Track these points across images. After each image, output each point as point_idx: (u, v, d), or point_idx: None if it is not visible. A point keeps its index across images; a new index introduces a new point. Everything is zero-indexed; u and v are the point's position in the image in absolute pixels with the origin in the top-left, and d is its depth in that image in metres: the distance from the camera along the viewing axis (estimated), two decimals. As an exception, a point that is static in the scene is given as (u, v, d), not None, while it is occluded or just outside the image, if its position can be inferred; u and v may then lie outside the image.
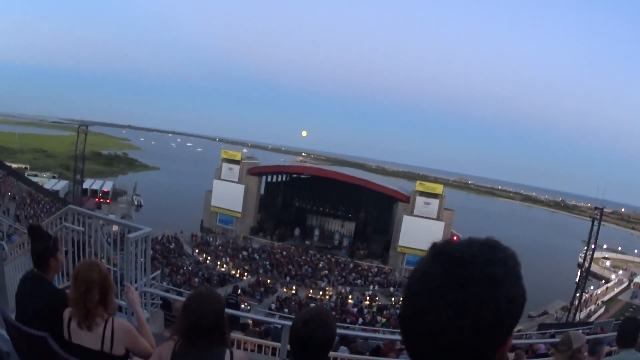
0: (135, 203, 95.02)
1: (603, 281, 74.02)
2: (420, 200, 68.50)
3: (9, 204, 52.15)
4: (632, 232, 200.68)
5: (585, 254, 61.99)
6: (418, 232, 66.68)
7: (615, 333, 6.14)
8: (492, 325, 1.25)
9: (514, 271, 1.34)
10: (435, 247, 1.38)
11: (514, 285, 1.32)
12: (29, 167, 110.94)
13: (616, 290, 70.77)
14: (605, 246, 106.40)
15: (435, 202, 68.25)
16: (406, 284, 1.38)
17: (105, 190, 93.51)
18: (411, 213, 68.44)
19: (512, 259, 1.36)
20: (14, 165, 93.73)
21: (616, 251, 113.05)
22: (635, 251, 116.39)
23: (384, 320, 44.25)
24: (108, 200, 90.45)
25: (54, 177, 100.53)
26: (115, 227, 11.53)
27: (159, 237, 59.32)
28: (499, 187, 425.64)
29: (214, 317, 3.10)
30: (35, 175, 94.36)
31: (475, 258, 1.31)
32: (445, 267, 1.30)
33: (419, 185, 70.44)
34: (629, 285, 74.12)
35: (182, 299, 13.12)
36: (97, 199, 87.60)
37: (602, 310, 59.93)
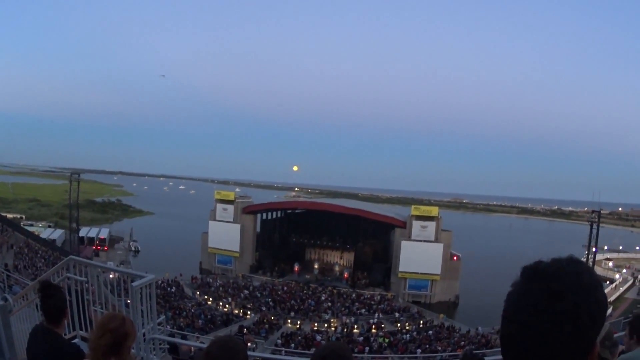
0: (133, 249, 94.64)
1: (608, 282, 73.94)
2: (416, 224, 68.63)
3: (6, 254, 51.96)
4: (632, 230, 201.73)
5: (587, 257, 62.11)
6: (417, 256, 66.88)
7: (623, 332, 6.15)
8: (589, 327, 1.44)
9: (597, 280, 1.56)
10: (527, 268, 1.59)
11: (600, 291, 1.52)
12: (24, 216, 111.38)
13: (622, 289, 70.50)
14: (606, 247, 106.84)
15: (432, 225, 68.41)
16: (505, 306, 1.59)
17: (102, 237, 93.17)
18: (409, 238, 68.53)
19: (593, 270, 1.60)
20: (10, 215, 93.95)
21: (618, 251, 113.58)
22: (637, 248, 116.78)
23: (386, 340, 44.18)
24: (105, 248, 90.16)
25: (49, 226, 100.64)
26: (113, 274, 11.55)
27: (159, 282, 58.97)
28: (494, 202, 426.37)
29: None
30: (31, 225, 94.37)
31: (565, 271, 1.52)
32: (541, 283, 1.50)
33: (414, 210, 70.68)
34: (633, 283, 74.13)
35: (189, 342, 13.10)
36: (94, 247, 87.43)
37: (610, 310, 59.87)
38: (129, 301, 7.46)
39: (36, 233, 78.55)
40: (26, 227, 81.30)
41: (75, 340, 6.45)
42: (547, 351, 1.44)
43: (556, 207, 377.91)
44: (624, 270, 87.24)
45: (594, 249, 61.92)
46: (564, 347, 1.43)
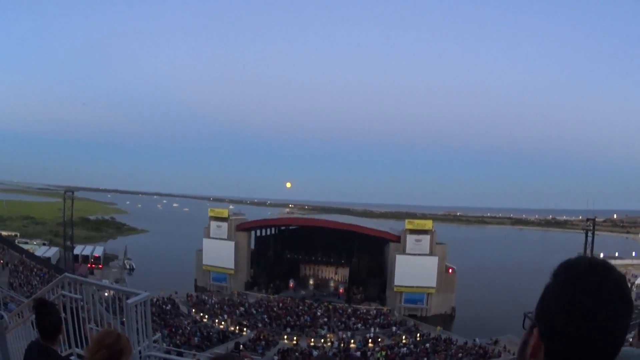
0: (127, 267, 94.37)
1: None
2: (411, 238, 68.77)
3: (1, 272, 51.91)
4: (627, 237, 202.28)
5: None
6: (412, 269, 66.97)
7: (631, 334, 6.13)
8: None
9: None
10: (586, 262, 1.57)
11: None
12: (18, 234, 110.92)
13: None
14: (602, 255, 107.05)
15: (426, 238, 68.56)
16: (570, 308, 1.48)
17: (97, 255, 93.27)
18: (403, 252, 68.65)
19: None
20: (4, 233, 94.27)
21: (614, 257, 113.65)
22: (633, 254, 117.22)
23: (383, 353, 44.15)
24: (100, 266, 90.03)
25: (44, 244, 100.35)
26: (108, 292, 11.53)
27: (155, 299, 58.79)
28: (488, 214, 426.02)
29: None
30: (26, 243, 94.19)
31: (623, 277, 1.56)
32: (609, 274, 1.51)
33: (408, 224, 70.76)
34: (630, 288, 73.99)
35: (184, 359, 13.03)
36: (89, 265, 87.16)
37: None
38: (124, 319, 7.44)
39: (31, 251, 78.50)
40: (21, 245, 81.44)
41: (72, 358, 6.43)
42: (620, 344, 1.48)
43: (550, 216, 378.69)
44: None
45: (589, 257, 62.29)
46: (623, 339, 1.48)
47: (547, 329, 1.50)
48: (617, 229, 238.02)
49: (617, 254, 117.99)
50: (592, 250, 62.09)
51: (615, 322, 1.45)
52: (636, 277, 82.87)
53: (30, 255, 71.12)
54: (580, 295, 1.45)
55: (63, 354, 6.47)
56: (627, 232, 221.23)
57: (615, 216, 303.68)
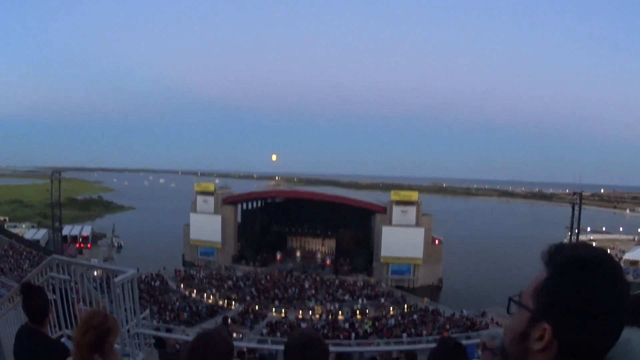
0: (116, 245, 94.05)
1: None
2: (397, 209, 68.90)
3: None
4: (614, 212, 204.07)
5: (570, 239, 62.56)
6: (399, 241, 67.20)
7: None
8: None
9: None
10: (593, 254, 1.56)
11: None
12: (7, 218, 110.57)
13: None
14: (589, 229, 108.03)
15: (412, 210, 68.71)
16: (590, 306, 1.49)
17: (85, 235, 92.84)
18: (390, 223, 68.83)
19: None
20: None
21: (601, 232, 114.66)
22: (620, 229, 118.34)
23: (370, 323, 44.67)
24: (89, 245, 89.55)
25: (33, 227, 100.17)
26: (98, 271, 11.52)
27: (143, 276, 58.86)
28: (475, 186, 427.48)
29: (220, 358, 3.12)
30: (15, 227, 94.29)
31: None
32: (617, 266, 1.56)
33: (394, 195, 70.91)
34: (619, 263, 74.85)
35: (174, 336, 13.14)
36: (77, 245, 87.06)
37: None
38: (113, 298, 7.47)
39: (20, 234, 78.78)
40: (10, 229, 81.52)
41: (63, 340, 6.47)
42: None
43: (537, 189, 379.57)
44: (608, 251, 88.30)
45: (576, 231, 62.38)
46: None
47: (566, 326, 1.48)
48: (604, 204, 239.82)
49: (604, 229, 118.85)
50: (579, 224, 62.37)
51: (626, 310, 1.50)
52: (623, 252, 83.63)
53: (20, 239, 71.25)
54: (604, 291, 1.47)
55: (54, 336, 6.52)
56: (615, 207, 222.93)
57: (602, 191, 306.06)
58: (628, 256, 76.52)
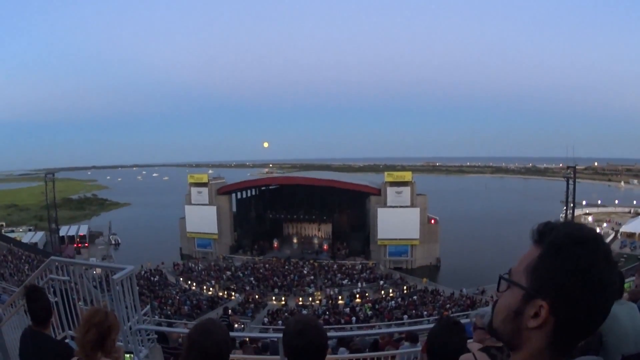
0: (113, 242, 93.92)
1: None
2: (391, 190, 68.95)
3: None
4: (609, 184, 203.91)
5: (566, 213, 62.79)
6: (395, 222, 67.36)
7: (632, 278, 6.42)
8: None
9: None
10: (587, 235, 1.54)
11: None
12: (4, 223, 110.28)
13: (604, 243, 71.73)
14: (584, 202, 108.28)
15: (406, 190, 68.74)
16: (595, 294, 1.51)
17: (82, 234, 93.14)
18: (385, 205, 68.94)
19: None
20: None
21: (596, 205, 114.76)
22: (616, 202, 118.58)
23: (369, 306, 44.94)
24: (86, 245, 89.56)
25: (30, 230, 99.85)
26: (97, 270, 11.54)
27: (142, 272, 58.94)
28: (467, 163, 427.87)
29: (217, 348, 3.15)
30: (12, 231, 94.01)
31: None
32: (607, 246, 1.56)
33: (387, 176, 70.86)
34: (615, 236, 75.41)
35: (176, 330, 13.19)
36: (75, 245, 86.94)
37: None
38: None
39: (18, 238, 78.59)
40: (7, 234, 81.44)
41: (66, 341, 6.50)
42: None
43: (530, 164, 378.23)
44: (605, 225, 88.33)
45: (571, 205, 62.58)
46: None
47: (562, 302, 1.50)
48: (599, 177, 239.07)
49: (599, 202, 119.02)
50: (574, 198, 62.49)
51: (616, 285, 1.54)
52: (620, 224, 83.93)
53: (18, 243, 71.04)
54: (598, 268, 1.48)
55: (58, 337, 6.56)
56: (609, 180, 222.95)
57: (596, 164, 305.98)
58: (624, 228, 76.70)
